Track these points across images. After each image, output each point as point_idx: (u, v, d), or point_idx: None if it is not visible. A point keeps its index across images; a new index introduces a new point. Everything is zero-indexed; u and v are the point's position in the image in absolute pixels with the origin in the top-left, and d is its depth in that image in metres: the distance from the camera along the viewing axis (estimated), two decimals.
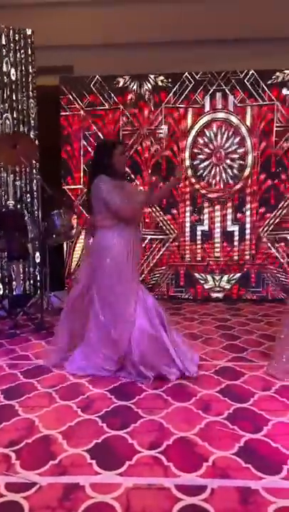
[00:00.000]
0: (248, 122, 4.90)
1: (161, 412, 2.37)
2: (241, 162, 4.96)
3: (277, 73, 4.83)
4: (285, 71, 4.82)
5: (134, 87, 4.99)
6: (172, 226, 5.09)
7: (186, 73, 4.92)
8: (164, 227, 5.10)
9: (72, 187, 5.14)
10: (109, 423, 2.26)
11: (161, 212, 5.07)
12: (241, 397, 2.54)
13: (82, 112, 5.03)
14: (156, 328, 2.81)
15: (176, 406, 2.44)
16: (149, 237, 5.13)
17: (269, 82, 4.84)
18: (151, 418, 2.30)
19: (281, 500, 1.66)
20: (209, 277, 5.14)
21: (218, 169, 5.00)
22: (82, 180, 5.10)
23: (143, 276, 5.12)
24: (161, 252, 5.14)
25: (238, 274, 5.09)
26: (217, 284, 5.14)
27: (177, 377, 2.77)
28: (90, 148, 5.00)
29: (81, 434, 2.16)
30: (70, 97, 5.03)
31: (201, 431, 2.17)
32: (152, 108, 4.97)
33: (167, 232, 5.11)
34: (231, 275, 5.11)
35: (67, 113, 5.06)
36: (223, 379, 2.80)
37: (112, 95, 4.99)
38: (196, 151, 5.00)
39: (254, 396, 2.55)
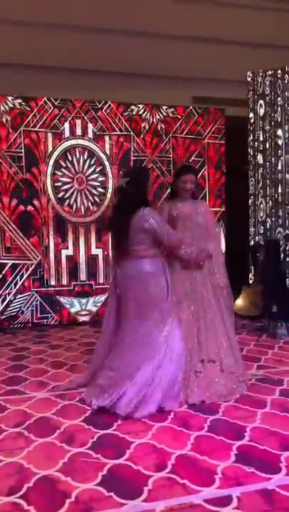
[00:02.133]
0: (108, 151, 5.10)
1: (22, 451, 2.24)
2: (102, 189, 5.13)
3: (132, 106, 5.16)
4: (139, 105, 5.18)
5: None
6: (35, 251, 4.97)
7: (45, 98, 4.93)
8: (26, 252, 4.95)
9: None
10: None
11: (23, 236, 4.91)
12: (106, 422, 2.55)
13: None
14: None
15: (39, 442, 2.34)
16: (10, 262, 4.91)
17: (125, 113, 5.14)
18: (10, 461, 2.16)
19: None
20: (75, 301, 5.12)
21: (80, 195, 5.07)
22: None
23: (5, 303, 4.87)
24: (24, 278, 4.96)
25: (104, 297, 5.18)
26: (83, 307, 5.15)
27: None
28: None
29: None
30: None
31: (64, 465, 2.11)
32: (10, 130, 4.83)
33: (30, 256, 4.97)
34: (97, 298, 5.18)
35: None
36: (88, 407, 2.78)
37: None
38: (57, 175, 5.00)
39: (118, 420, 2.59)
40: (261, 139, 5.34)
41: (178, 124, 5.30)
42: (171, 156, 5.30)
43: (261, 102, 5.32)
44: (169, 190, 5.17)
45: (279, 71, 5.16)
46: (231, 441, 2.31)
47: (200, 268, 3.07)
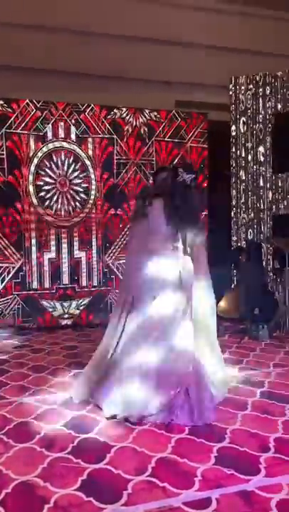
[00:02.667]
0: (90, 153, 5.10)
1: (1, 457, 2.21)
2: (85, 191, 5.11)
3: (115, 110, 5.16)
4: (122, 108, 5.19)
5: None
6: (17, 253, 4.92)
7: (28, 100, 4.89)
8: (8, 255, 4.89)
9: None
10: None
11: (4, 239, 4.86)
12: (86, 427, 2.53)
13: None
14: None
15: (18, 448, 2.31)
16: None
17: (108, 116, 5.14)
18: None
19: None
20: (57, 304, 5.09)
21: (62, 197, 5.05)
22: None
23: None
24: (6, 281, 4.90)
25: (87, 300, 5.16)
26: (66, 311, 5.12)
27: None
28: None
29: None
30: None
31: (44, 471, 2.09)
32: None
33: (12, 259, 4.92)
34: (80, 301, 5.15)
35: None
36: (69, 411, 2.76)
37: None
38: (40, 178, 4.96)
39: (99, 424, 2.57)
40: (243, 155, 5.39)
41: (161, 127, 5.33)
42: (154, 159, 5.32)
43: (243, 118, 5.36)
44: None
45: (261, 86, 5.23)
46: (212, 443, 2.32)
47: None
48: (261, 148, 5.26)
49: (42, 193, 4.97)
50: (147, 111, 5.29)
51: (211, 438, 2.37)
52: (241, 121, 5.39)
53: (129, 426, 2.54)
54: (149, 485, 1.96)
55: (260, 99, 5.28)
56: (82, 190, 5.10)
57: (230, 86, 5.45)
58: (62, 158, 5.01)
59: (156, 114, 5.32)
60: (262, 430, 2.45)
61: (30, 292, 4.98)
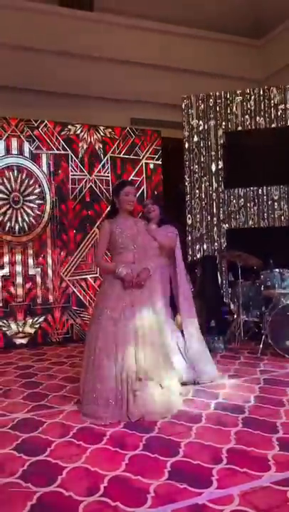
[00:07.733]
0: (45, 169, 5.06)
1: None
2: (38, 209, 5.05)
3: (70, 126, 5.18)
4: (77, 125, 5.21)
5: None
6: None
7: None
8: None
9: None
10: None
11: None
12: (38, 449, 2.45)
13: None
14: None
15: None
16: None
17: (62, 133, 5.14)
18: None
19: None
20: (12, 323, 4.95)
21: (16, 214, 4.96)
22: None
23: None
24: None
25: (42, 317, 5.06)
26: (20, 329, 4.98)
27: None
28: None
29: None
30: None
31: None
32: None
33: None
34: (35, 319, 5.04)
35: None
36: (20, 433, 2.67)
37: None
38: None
39: (51, 445, 2.50)
40: (196, 171, 5.53)
41: (116, 144, 5.39)
42: (109, 175, 5.35)
43: (196, 136, 5.52)
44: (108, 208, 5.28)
45: (212, 105, 5.43)
46: (165, 458, 2.30)
47: (141, 287, 3.06)
48: (213, 165, 5.42)
49: None
50: (102, 127, 5.34)
51: (165, 453, 2.36)
52: (194, 139, 5.54)
53: (82, 445, 2.48)
54: (101, 505, 1.91)
55: (212, 118, 5.46)
56: (36, 209, 5.03)
57: (183, 105, 5.61)
58: (17, 175, 4.94)
59: (110, 130, 5.38)
60: (215, 442, 2.46)
61: None
